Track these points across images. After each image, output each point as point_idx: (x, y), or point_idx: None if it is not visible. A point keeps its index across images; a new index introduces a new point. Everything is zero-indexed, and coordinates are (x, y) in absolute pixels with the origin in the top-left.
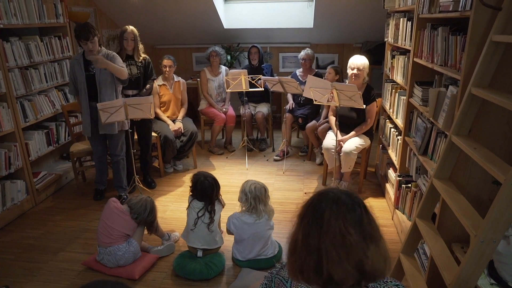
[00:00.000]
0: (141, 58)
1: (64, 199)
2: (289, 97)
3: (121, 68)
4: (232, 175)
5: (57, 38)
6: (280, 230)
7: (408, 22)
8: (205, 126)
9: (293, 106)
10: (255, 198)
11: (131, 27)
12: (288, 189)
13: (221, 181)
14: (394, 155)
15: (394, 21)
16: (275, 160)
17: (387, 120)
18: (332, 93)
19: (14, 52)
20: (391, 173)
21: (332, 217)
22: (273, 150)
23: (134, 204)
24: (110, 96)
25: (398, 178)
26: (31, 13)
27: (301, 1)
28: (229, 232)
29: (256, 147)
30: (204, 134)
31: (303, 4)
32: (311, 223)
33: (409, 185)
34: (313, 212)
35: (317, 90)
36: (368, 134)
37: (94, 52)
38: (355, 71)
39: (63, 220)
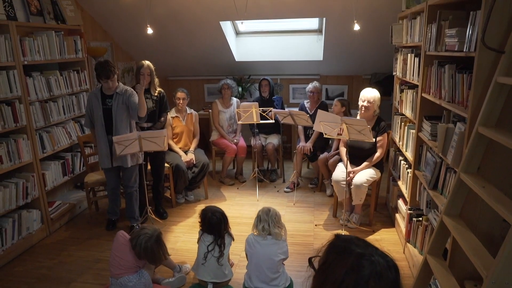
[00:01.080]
0: (156, 92)
1: (77, 229)
2: (300, 131)
3: (145, 107)
4: (243, 206)
5: (75, 72)
6: (291, 263)
7: (415, 58)
8: (216, 156)
9: (306, 150)
10: (269, 220)
11: (147, 63)
12: (299, 221)
13: (232, 213)
14: (404, 187)
15: (402, 56)
16: (286, 192)
17: (397, 152)
18: (342, 127)
19: (35, 86)
20: (402, 205)
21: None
22: (284, 181)
23: (135, 246)
24: (125, 129)
25: (409, 211)
26: (53, 50)
27: (311, 34)
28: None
29: (267, 178)
30: (215, 165)
31: (312, 38)
32: None
33: (420, 218)
34: (356, 283)
35: (327, 124)
36: (378, 166)
37: (113, 89)
38: (365, 103)
39: (76, 250)
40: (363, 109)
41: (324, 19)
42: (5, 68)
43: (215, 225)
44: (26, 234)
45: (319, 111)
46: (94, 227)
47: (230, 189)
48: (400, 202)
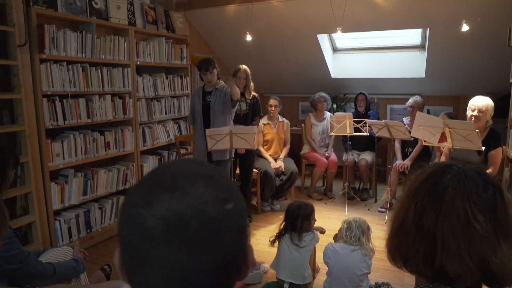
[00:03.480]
0: (251, 95)
1: None
2: (397, 148)
3: (238, 92)
4: (329, 220)
5: (179, 77)
6: (378, 279)
7: None
8: (306, 170)
9: (404, 168)
10: (359, 227)
11: (244, 67)
12: None
13: (316, 224)
14: None
15: None
16: (380, 212)
17: None
18: (444, 132)
19: (144, 85)
20: None
21: (457, 196)
22: (376, 201)
23: None
24: (222, 125)
25: None
26: (162, 54)
27: (412, 50)
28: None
29: (358, 196)
30: (304, 180)
31: (414, 54)
32: (427, 200)
33: None
34: (431, 187)
35: (427, 129)
36: None
37: (212, 83)
38: (475, 112)
39: None
40: (473, 119)
41: (428, 30)
42: (121, 65)
43: (299, 216)
44: None
45: (418, 112)
46: None
47: (318, 203)
48: None
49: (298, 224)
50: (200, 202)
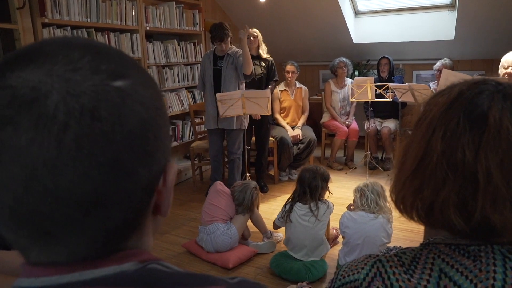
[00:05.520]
0: (264, 57)
1: (181, 192)
2: None
3: (250, 61)
4: (349, 189)
5: (192, 44)
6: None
7: None
8: (326, 140)
9: None
10: (373, 191)
11: (254, 29)
12: None
13: (336, 194)
14: None
15: None
16: None
17: None
18: None
19: (154, 52)
20: None
21: (504, 118)
22: None
23: (237, 193)
24: (233, 90)
25: None
26: (173, 20)
27: (441, 10)
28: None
29: (380, 166)
30: (324, 150)
31: (442, 13)
32: (462, 126)
33: None
34: (466, 110)
35: None
36: None
37: (225, 51)
38: (509, 69)
39: (175, 209)
40: (507, 76)
41: None
42: (130, 31)
43: (317, 176)
44: None
45: (444, 70)
46: (196, 192)
47: (338, 173)
48: None
49: (318, 184)
50: (67, 69)
